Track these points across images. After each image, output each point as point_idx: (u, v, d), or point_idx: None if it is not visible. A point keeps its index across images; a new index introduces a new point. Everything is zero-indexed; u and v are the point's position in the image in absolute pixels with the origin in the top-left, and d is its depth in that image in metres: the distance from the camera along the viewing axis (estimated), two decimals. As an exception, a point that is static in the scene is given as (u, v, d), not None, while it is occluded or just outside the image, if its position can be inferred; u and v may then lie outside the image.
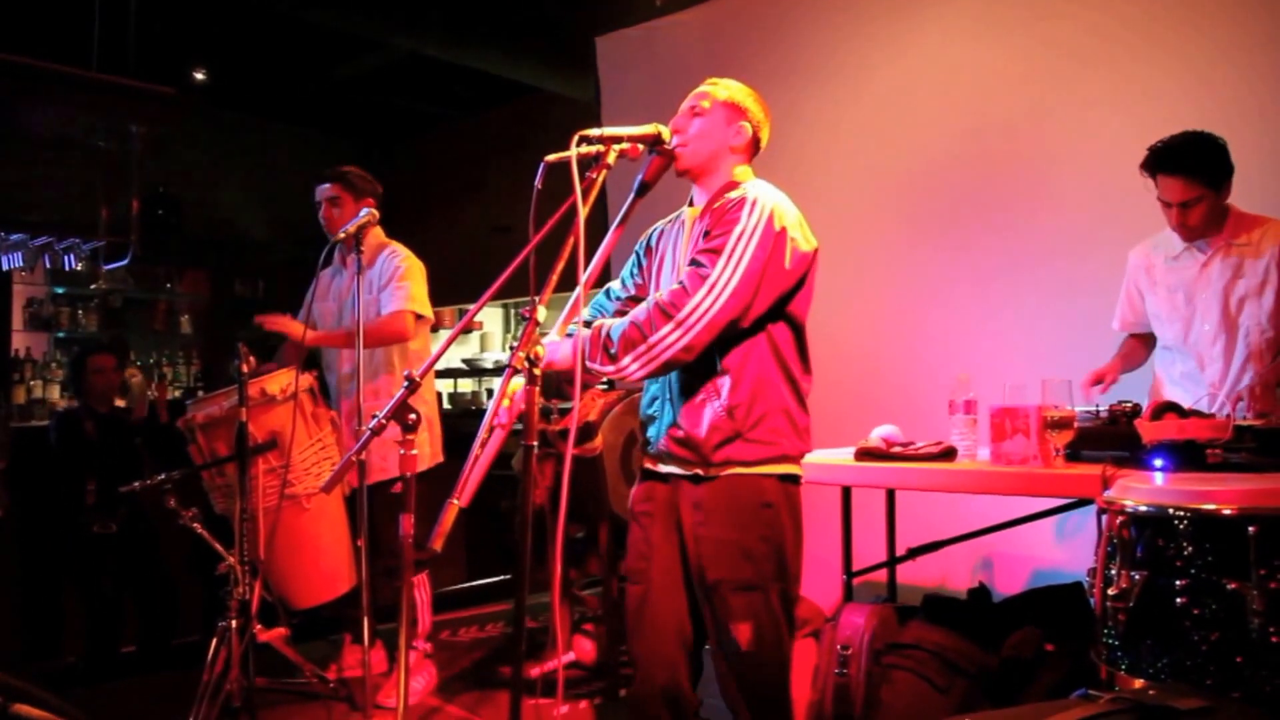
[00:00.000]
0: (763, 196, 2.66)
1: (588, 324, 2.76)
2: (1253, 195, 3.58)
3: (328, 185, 4.49)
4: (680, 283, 2.59)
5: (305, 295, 4.55)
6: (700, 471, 2.70)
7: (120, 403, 5.30)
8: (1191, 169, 3.39)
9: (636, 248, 3.04)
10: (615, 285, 3.06)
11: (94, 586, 5.01)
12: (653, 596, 2.81)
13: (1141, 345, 3.88)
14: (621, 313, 2.90)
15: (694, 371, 2.66)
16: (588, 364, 2.60)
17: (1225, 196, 3.47)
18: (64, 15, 6.21)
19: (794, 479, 2.75)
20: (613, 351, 2.57)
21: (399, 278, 4.35)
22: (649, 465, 2.86)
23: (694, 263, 2.61)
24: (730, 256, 2.57)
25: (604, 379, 2.71)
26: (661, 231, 2.97)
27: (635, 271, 3.01)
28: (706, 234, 2.67)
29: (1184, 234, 3.54)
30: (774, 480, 2.70)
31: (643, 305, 2.64)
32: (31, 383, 7.38)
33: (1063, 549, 4.27)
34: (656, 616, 2.81)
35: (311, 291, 4.53)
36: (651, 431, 2.82)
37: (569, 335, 2.63)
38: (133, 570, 5.06)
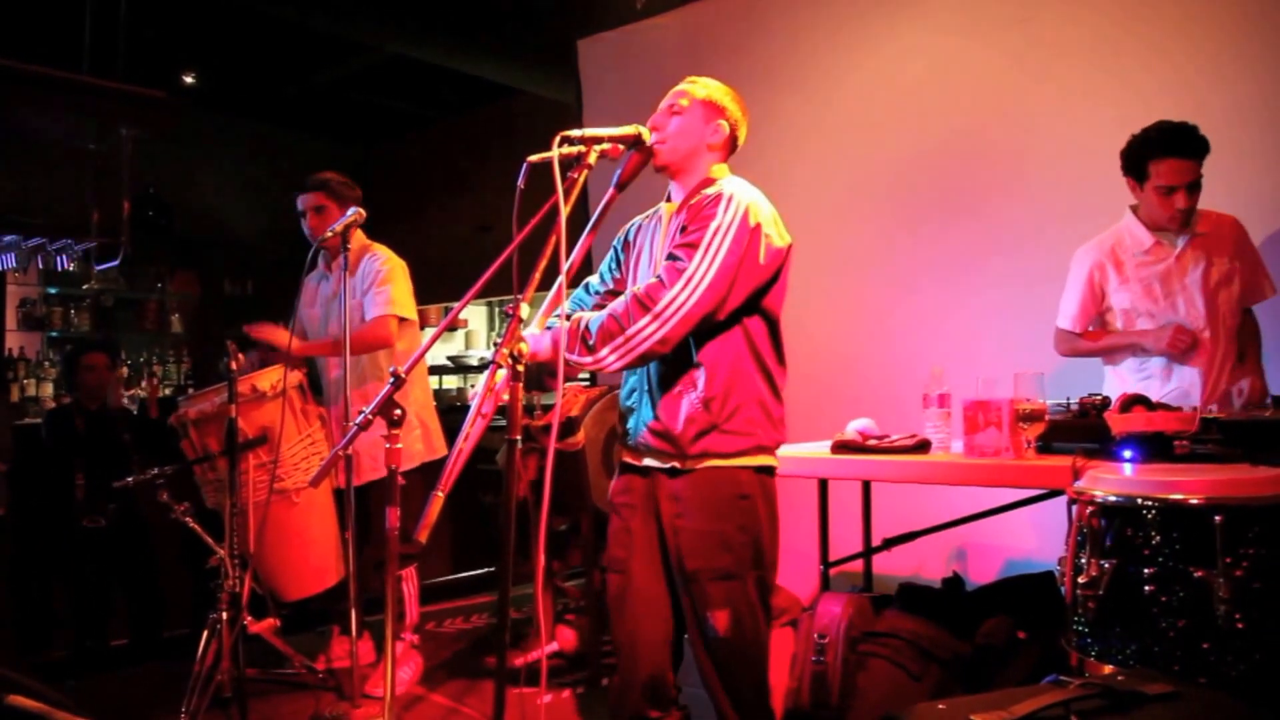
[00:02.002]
0: (739, 193, 2.70)
1: (567, 317, 2.82)
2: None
3: (311, 194, 4.48)
4: (658, 276, 2.63)
5: (294, 294, 4.57)
6: (678, 464, 2.73)
7: (125, 400, 5.36)
8: (1197, 149, 3.46)
9: (615, 242, 3.07)
10: (594, 280, 3.08)
11: (82, 579, 5.06)
12: (633, 585, 2.84)
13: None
14: (600, 307, 2.96)
15: (671, 364, 2.70)
16: (566, 355, 2.61)
17: None
18: (55, 19, 6.25)
19: (769, 470, 2.79)
20: (590, 343, 2.61)
21: (379, 281, 4.36)
22: (628, 459, 2.89)
23: (671, 256, 2.64)
24: (706, 251, 2.60)
25: (583, 370, 2.76)
26: (639, 226, 3.00)
27: (614, 266, 3.04)
28: (683, 229, 2.70)
29: (1180, 219, 3.56)
30: (750, 472, 2.73)
31: (620, 298, 2.66)
32: (25, 381, 7.43)
33: (1035, 539, 4.30)
34: (637, 605, 2.84)
35: (299, 299, 4.56)
36: (630, 423, 2.86)
37: (549, 328, 2.67)
38: (121, 564, 5.11)
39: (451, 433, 2.33)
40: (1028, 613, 3.25)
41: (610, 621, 2.94)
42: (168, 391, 7.93)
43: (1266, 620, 2.04)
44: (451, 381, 9.13)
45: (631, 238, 3.01)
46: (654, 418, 2.76)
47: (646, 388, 2.80)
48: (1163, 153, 3.48)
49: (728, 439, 2.71)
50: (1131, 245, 3.70)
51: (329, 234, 3.84)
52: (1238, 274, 3.60)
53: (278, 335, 4.28)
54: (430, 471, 4.37)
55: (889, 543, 3.96)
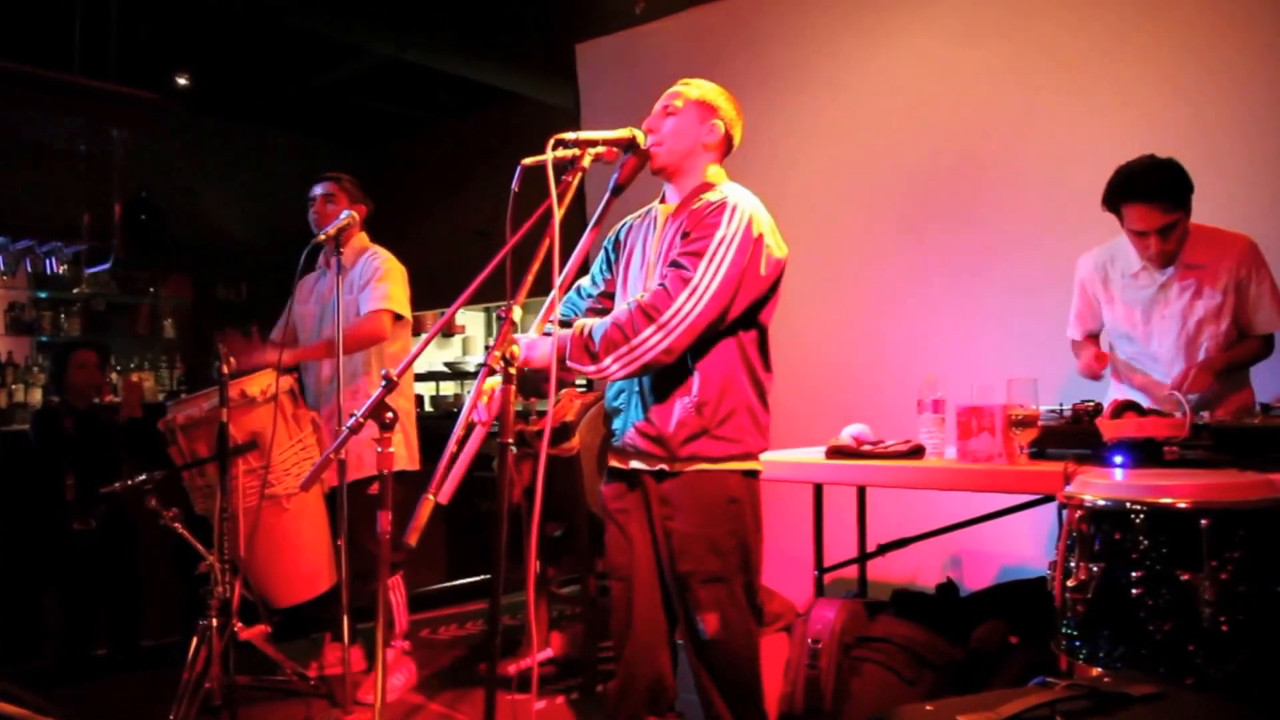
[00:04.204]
0: (742, 203, 2.70)
1: (564, 323, 2.81)
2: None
3: (325, 183, 4.55)
4: (662, 285, 2.63)
5: (287, 299, 4.57)
6: (666, 467, 2.74)
7: (115, 398, 5.34)
8: (1165, 194, 3.28)
9: (605, 243, 3.06)
10: (585, 282, 3.08)
11: (72, 584, 5.03)
12: (637, 591, 2.85)
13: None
14: (593, 310, 2.95)
15: (665, 369, 2.69)
16: (569, 363, 2.62)
17: (1189, 214, 3.37)
18: (46, 20, 6.23)
19: (755, 474, 2.81)
20: (594, 351, 2.61)
21: (377, 278, 4.37)
22: (615, 462, 2.90)
23: (675, 265, 2.65)
24: (711, 261, 2.61)
25: (583, 378, 2.75)
26: (631, 227, 3.00)
27: (605, 268, 3.04)
28: (685, 235, 2.70)
29: (1160, 261, 3.44)
30: (739, 476, 2.75)
31: (624, 307, 2.67)
32: (13, 386, 7.38)
33: (1029, 544, 4.29)
34: (642, 610, 2.85)
35: (292, 298, 4.55)
36: (616, 424, 2.86)
37: (546, 334, 2.67)
38: (109, 569, 5.08)
39: (442, 438, 2.31)
40: (1021, 618, 3.26)
41: (611, 627, 2.95)
42: (160, 396, 7.90)
43: (1251, 622, 2.05)
44: (449, 388, 9.12)
45: (623, 238, 3.01)
46: (644, 419, 2.77)
47: (636, 389, 2.81)
48: (1129, 198, 3.33)
49: (718, 444, 2.73)
50: (1122, 265, 3.61)
51: (322, 236, 3.87)
52: (1229, 307, 3.45)
53: (267, 355, 4.21)
54: (404, 481, 4.35)
55: (883, 548, 3.98)
